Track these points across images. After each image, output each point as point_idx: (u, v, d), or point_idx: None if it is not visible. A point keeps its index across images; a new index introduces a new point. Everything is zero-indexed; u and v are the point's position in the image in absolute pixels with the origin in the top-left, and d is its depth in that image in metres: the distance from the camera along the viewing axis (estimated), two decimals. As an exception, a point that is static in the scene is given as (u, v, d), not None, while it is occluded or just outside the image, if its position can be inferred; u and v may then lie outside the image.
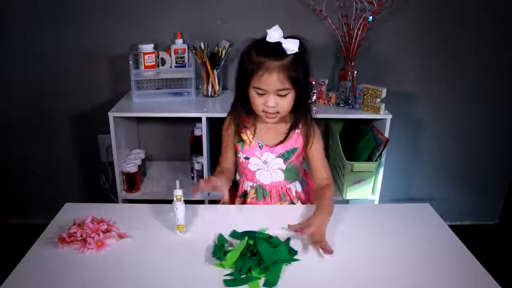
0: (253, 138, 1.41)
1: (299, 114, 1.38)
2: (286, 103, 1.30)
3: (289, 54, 1.25)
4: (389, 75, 2.19)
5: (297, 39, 1.26)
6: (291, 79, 1.25)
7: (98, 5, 2.05)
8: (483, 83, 2.25)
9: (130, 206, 1.44)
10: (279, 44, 1.25)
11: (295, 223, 1.21)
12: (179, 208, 1.16)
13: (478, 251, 1.15)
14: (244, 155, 1.43)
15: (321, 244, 1.11)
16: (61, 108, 2.23)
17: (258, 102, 1.30)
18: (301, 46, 1.26)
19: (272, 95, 1.27)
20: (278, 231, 1.18)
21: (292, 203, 1.48)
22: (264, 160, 1.42)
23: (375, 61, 2.16)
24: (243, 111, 1.39)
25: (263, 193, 1.46)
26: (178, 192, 1.17)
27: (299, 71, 1.27)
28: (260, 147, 1.41)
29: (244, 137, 1.42)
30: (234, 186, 1.53)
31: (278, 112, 1.31)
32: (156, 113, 1.91)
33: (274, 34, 1.25)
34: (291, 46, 1.24)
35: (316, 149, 1.42)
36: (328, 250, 1.09)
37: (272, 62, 1.23)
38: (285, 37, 1.26)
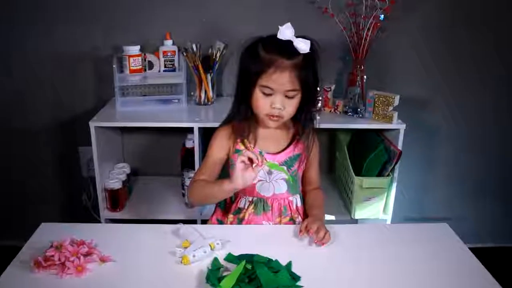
0: (253, 147, 1.42)
1: (305, 120, 1.46)
2: (292, 106, 1.36)
3: (300, 54, 1.30)
4: (402, 81, 2.20)
5: (308, 39, 1.31)
6: (301, 80, 1.32)
7: (78, 2, 2.05)
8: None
9: (114, 226, 1.45)
10: (290, 42, 1.30)
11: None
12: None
13: (501, 276, 1.15)
14: None
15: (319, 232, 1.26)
16: (39, 117, 2.23)
17: (263, 103, 1.34)
18: (311, 48, 1.31)
19: (280, 95, 1.33)
20: (279, 254, 1.18)
21: (292, 219, 1.51)
22: (268, 170, 1.45)
23: (387, 65, 2.18)
24: (244, 118, 1.42)
25: (263, 207, 1.48)
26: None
27: (309, 73, 1.34)
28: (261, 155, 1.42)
29: (242, 147, 1.43)
30: (227, 203, 1.56)
31: (281, 117, 1.36)
32: (143, 122, 1.92)
33: (286, 32, 1.29)
34: (303, 46, 1.29)
35: (313, 158, 1.55)
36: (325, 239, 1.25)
37: (285, 60, 1.29)
38: (296, 37, 1.31)
